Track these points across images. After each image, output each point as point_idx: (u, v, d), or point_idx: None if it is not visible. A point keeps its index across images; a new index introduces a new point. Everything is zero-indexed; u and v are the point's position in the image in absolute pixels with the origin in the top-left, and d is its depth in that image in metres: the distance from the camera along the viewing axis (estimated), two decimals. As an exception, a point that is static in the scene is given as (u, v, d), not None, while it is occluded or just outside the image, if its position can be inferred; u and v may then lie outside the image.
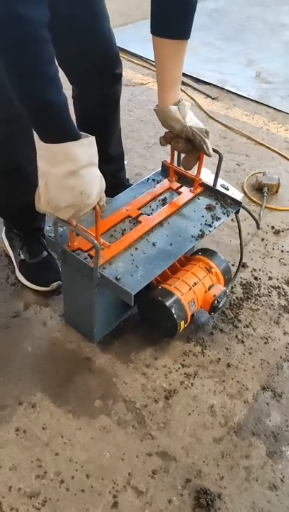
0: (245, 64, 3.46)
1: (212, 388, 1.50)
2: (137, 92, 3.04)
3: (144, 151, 2.51)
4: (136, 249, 1.44)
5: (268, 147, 2.59)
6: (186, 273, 1.55)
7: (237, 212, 1.63)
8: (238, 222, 1.71)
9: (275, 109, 2.94)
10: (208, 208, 1.60)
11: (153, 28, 1.36)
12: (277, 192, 2.29)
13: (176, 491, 1.27)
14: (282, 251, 1.99)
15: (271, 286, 1.84)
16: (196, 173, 1.63)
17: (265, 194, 2.23)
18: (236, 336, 1.65)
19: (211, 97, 3.03)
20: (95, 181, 1.18)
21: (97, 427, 1.38)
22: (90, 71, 1.65)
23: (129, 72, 3.27)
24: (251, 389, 1.51)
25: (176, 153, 1.63)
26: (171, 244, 1.47)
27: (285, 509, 1.26)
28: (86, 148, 1.13)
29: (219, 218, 1.58)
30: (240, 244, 1.77)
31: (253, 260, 1.94)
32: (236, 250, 1.98)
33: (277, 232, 2.08)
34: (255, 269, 1.90)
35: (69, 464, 1.30)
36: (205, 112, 2.87)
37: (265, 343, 1.64)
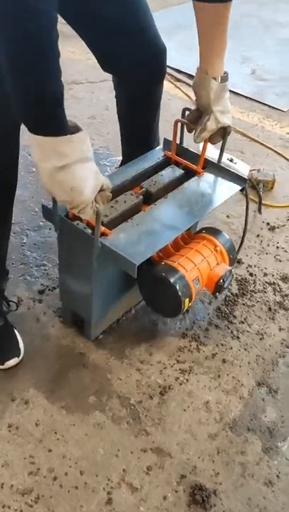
0: (240, 61, 3.45)
1: (207, 384, 1.48)
2: (132, 89, 3.02)
3: (138, 147, 2.49)
4: (138, 222, 1.37)
5: (262, 144, 2.58)
6: (190, 250, 1.48)
7: (242, 189, 1.56)
8: (246, 198, 1.61)
9: (270, 106, 2.93)
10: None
11: None
12: (272, 188, 2.28)
13: (171, 487, 1.26)
14: (277, 247, 1.98)
15: (266, 282, 1.83)
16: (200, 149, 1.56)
17: (261, 190, 2.22)
18: (232, 332, 1.64)
19: (206, 94, 3.01)
20: (88, 177, 1.15)
21: (91, 423, 1.36)
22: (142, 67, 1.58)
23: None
24: (246, 385, 1.50)
25: (179, 129, 1.57)
26: (174, 219, 1.40)
27: (281, 505, 1.25)
28: (76, 144, 1.10)
29: (223, 195, 1.51)
30: (246, 220, 1.65)
31: (248, 257, 1.93)
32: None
33: (272, 229, 2.07)
34: (250, 265, 1.89)
35: (62, 461, 1.28)
36: (200, 109, 2.85)
37: (261, 339, 1.63)
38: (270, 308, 1.73)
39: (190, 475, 1.28)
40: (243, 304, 1.74)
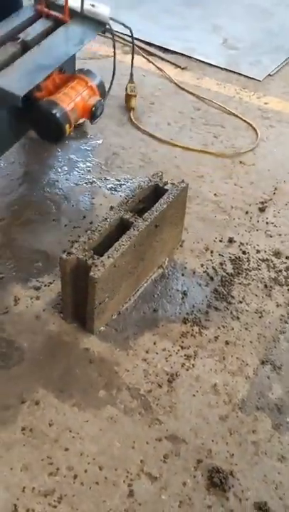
0: (209, 30, 3.37)
1: (213, 367, 1.51)
2: (104, 65, 2.93)
3: (119, 129, 2.44)
4: (17, 66, 1.70)
5: (241, 118, 2.55)
6: (66, 88, 1.87)
7: (104, 32, 2.03)
8: (113, 39, 2.07)
9: (245, 76, 2.89)
10: None
11: None
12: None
13: (189, 472, 1.29)
14: (267, 223, 1.99)
15: (260, 259, 1.84)
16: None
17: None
18: (231, 313, 1.66)
19: (180, 67, 2.95)
20: None
21: (104, 417, 1.38)
22: None
23: (93, 43, 3.14)
24: (251, 364, 1.52)
25: None
26: (48, 59, 1.74)
27: (296, 478, 1.30)
28: None
29: (87, 37, 1.87)
30: (114, 58, 2.18)
31: (239, 234, 1.93)
32: (222, 225, 1.97)
33: (262, 208, 2.05)
34: (242, 243, 1.90)
35: (80, 458, 1.30)
36: (175, 84, 2.80)
37: (260, 317, 1.66)
38: (265, 285, 1.75)
39: (206, 459, 1.31)
40: (240, 284, 1.75)
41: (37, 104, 1.83)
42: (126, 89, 2.55)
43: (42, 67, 1.73)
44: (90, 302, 1.47)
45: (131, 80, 2.56)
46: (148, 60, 3.00)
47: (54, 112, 1.81)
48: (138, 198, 1.64)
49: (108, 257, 1.44)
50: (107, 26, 1.96)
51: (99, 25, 1.91)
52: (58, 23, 1.89)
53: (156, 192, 1.70)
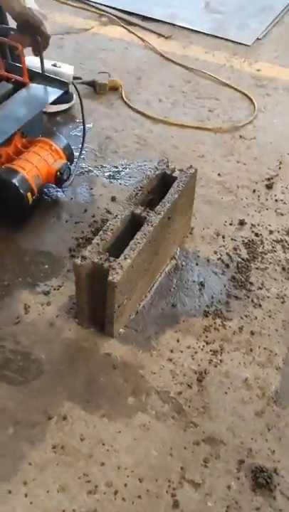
0: (189, -7, 3.19)
1: (241, 361, 1.45)
2: (83, 40, 2.76)
3: (108, 110, 2.30)
4: None
5: (235, 88, 2.43)
6: (28, 153, 1.73)
7: (66, 92, 1.85)
8: (78, 94, 1.87)
9: (233, 42, 2.75)
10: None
11: None
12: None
13: (232, 475, 1.25)
14: (276, 200, 1.92)
15: (274, 240, 1.78)
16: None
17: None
18: (252, 301, 1.60)
19: (163, 36, 2.80)
20: None
21: (136, 425, 1.32)
22: None
23: (67, 17, 2.95)
24: (279, 353, 1.48)
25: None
26: (3, 126, 1.64)
27: None
28: None
29: (47, 99, 1.77)
30: (82, 112, 1.91)
31: (249, 215, 1.86)
32: (231, 207, 1.89)
33: (269, 185, 1.97)
34: (253, 225, 1.82)
35: (118, 472, 1.24)
36: (161, 54, 2.65)
37: (282, 302, 1.60)
38: (283, 268, 1.69)
39: (247, 458, 1.27)
40: (257, 268, 1.69)
41: None
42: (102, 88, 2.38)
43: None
44: (110, 306, 1.39)
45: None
46: (128, 30, 2.84)
47: (13, 180, 1.63)
48: (146, 189, 1.54)
49: (125, 258, 1.35)
50: (71, 84, 1.84)
51: (61, 85, 1.80)
52: (18, 86, 1.78)
53: (163, 180, 1.61)
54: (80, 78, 2.29)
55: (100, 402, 1.36)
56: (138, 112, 2.29)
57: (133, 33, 2.82)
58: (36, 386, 1.39)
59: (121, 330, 1.50)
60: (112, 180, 1.98)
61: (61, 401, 1.36)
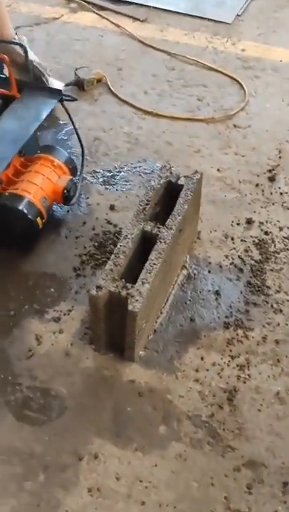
0: None
1: (270, 373, 1.40)
2: (54, 31, 2.58)
3: (92, 108, 2.17)
4: None
5: (222, 72, 2.32)
6: (30, 173, 1.58)
7: (60, 100, 1.68)
8: (66, 111, 1.72)
9: (212, 20, 2.61)
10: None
11: None
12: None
13: (278, 499, 1.21)
14: (281, 194, 1.84)
15: (284, 237, 1.71)
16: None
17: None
18: (272, 306, 1.54)
19: (139, 20, 2.64)
20: None
21: (172, 457, 1.26)
22: None
23: (33, 6, 2.75)
24: (307, 361, 1.43)
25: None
26: (2, 146, 1.53)
27: None
28: None
29: (42, 112, 1.62)
30: (75, 129, 1.79)
31: (256, 213, 1.78)
32: (235, 205, 1.81)
33: (272, 177, 1.88)
34: (262, 223, 1.75)
35: (160, 510, 1.19)
36: (139, 40, 2.50)
37: (303, 304, 1.55)
38: (299, 267, 1.63)
39: (291, 479, 1.23)
40: (271, 270, 1.62)
41: None
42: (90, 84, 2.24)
43: None
44: (130, 334, 1.31)
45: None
46: (101, 16, 2.67)
47: (19, 207, 1.48)
48: (154, 201, 1.45)
49: (142, 282, 1.27)
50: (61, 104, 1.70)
51: (53, 94, 1.66)
52: (7, 100, 1.64)
53: (168, 187, 1.51)
54: (70, 96, 2.01)
55: (130, 434, 1.29)
56: (123, 104, 2.16)
57: (106, 18, 2.64)
58: (61, 424, 1.31)
59: (141, 352, 1.43)
60: (107, 186, 1.87)
61: (90, 438, 1.29)
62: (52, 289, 1.57)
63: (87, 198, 1.82)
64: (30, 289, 1.57)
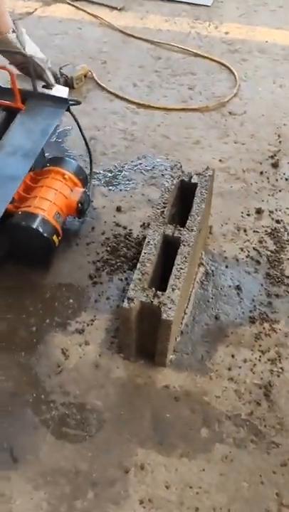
0: None
1: (302, 364, 1.41)
2: (30, 27, 2.48)
3: (83, 105, 2.09)
4: None
5: (209, 58, 2.27)
6: (41, 189, 1.52)
7: (67, 109, 1.63)
8: (74, 117, 1.68)
9: (192, 4, 2.55)
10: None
11: None
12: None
13: None
14: (286, 179, 1.83)
15: (296, 224, 1.71)
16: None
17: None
18: (294, 296, 1.54)
19: (116, 9, 2.56)
20: None
21: (218, 459, 1.26)
22: None
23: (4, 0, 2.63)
24: None
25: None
26: (12, 168, 1.45)
27: None
28: None
29: (51, 124, 1.56)
30: (83, 137, 1.76)
31: (264, 201, 1.77)
32: (243, 195, 1.80)
33: (275, 163, 1.87)
34: (271, 211, 1.74)
35: (215, 514, 1.19)
36: (120, 30, 2.43)
37: None
38: (314, 253, 1.64)
39: None
40: (288, 259, 1.62)
41: (9, 221, 1.44)
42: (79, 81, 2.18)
43: (8, 180, 1.42)
44: (164, 341, 1.29)
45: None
46: (76, 7, 2.59)
47: (34, 225, 1.43)
48: (170, 204, 1.42)
49: (172, 289, 1.24)
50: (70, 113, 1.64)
51: (60, 103, 1.60)
52: (12, 112, 1.57)
53: (181, 187, 1.48)
54: (75, 101, 1.88)
55: (173, 441, 1.29)
56: (115, 98, 2.11)
57: (82, 9, 2.56)
58: (102, 439, 1.29)
59: (171, 356, 1.42)
60: (110, 187, 1.83)
61: (133, 449, 1.28)
62: (71, 300, 1.54)
63: (92, 201, 1.78)
64: (48, 301, 1.54)
